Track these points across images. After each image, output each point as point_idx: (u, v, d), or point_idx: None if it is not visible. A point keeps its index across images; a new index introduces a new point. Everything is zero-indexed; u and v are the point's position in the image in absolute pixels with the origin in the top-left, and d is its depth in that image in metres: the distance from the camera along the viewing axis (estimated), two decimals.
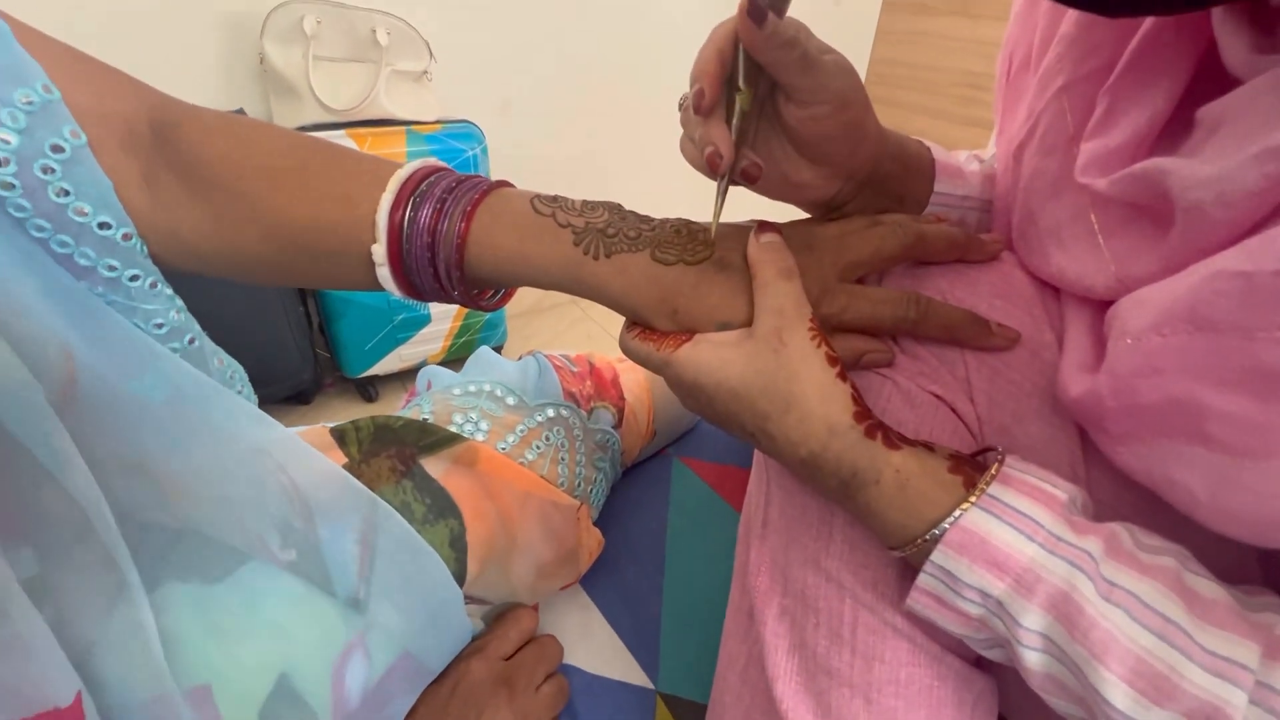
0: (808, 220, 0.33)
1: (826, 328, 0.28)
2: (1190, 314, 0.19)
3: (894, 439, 0.25)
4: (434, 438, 0.39)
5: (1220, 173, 0.19)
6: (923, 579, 0.24)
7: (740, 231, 0.30)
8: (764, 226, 0.29)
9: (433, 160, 0.32)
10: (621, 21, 1.38)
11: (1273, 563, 0.25)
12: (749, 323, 0.27)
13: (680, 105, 0.30)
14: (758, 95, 0.28)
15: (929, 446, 0.25)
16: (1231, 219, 0.19)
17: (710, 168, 0.28)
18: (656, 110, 1.54)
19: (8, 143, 0.26)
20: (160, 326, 0.31)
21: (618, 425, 0.48)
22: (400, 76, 1.11)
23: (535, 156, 1.40)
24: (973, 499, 0.22)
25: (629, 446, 0.51)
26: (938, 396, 0.28)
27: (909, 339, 0.29)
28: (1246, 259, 0.18)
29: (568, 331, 1.54)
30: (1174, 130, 0.24)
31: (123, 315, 0.30)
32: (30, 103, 0.26)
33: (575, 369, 0.49)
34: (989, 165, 0.36)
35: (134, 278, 0.30)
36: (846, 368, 0.26)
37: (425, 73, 1.13)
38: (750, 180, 0.30)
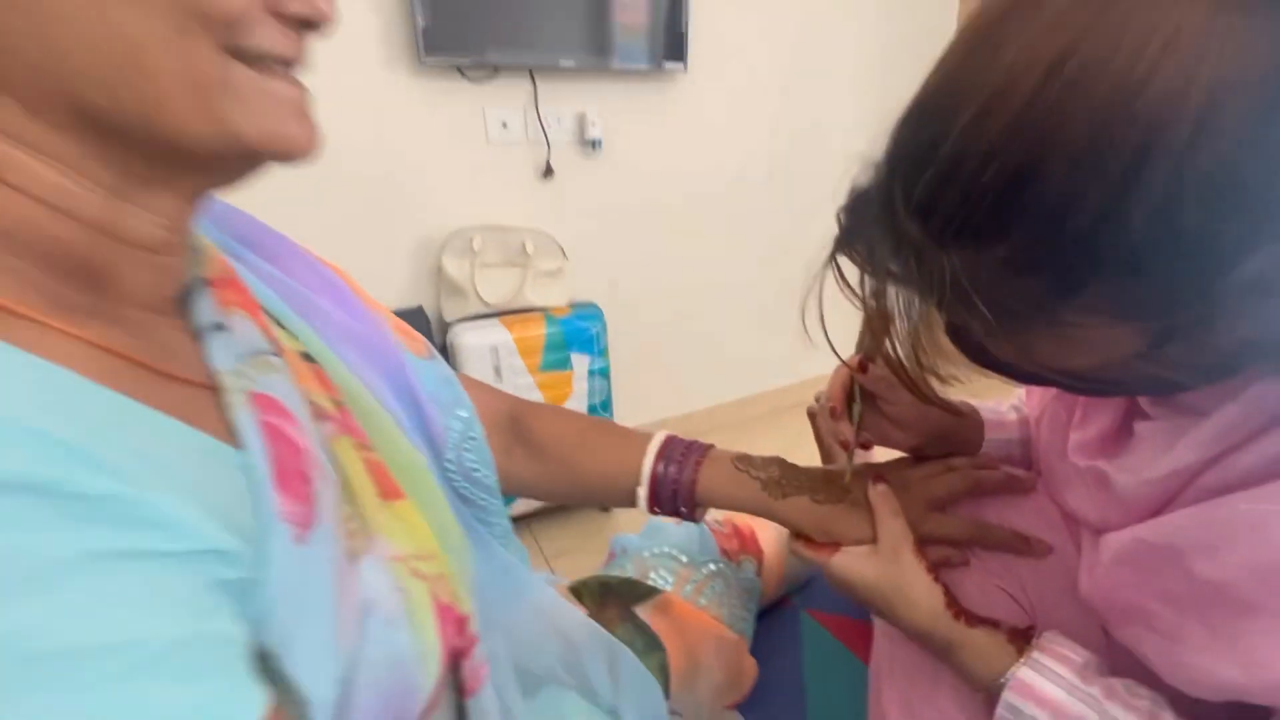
0: (901, 463, 0.51)
1: (923, 544, 0.45)
2: (1128, 556, 0.36)
3: (973, 620, 0.41)
4: (641, 590, 0.57)
5: (1131, 480, 0.36)
6: (998, 711, 0.39)
7: (862, 478, 0.48)
8: (876, 478, 0.48)
9: (667, 433, 0.52)
10: (698, 222, 1.69)
11: (1233, 709, 0.38)
12: (874, 541, 0.45)
13: (811, 413, 0.51)
14: (869, 403, 0.49)
15: (995, 624, 0.41)
16: (1140, 502, 0.36)
17: (842, 449, 0.48)
18: (726, 286, 1.82)
19: (463, 418, 0.48)
20: (504, 534, 0.52)
21: (759, 573, 0.65)
22: (541, 274, 1.42)
23: (641, 322, 1.67)
24: (1023, 661, 0.38)
25: (766, 589, 0.67)
26: (1001, 588, 0.44)
27: (979, 548, 0.46)
28: (1147, 531, 0.35)
29: None
30: (1123, 433, 0.41)
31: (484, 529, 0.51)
32: (463, 416, 0.49)
33: (724, 530, 0.67)
34: (1024, 410, 0.54)
35: (495, 509, 0.51)
36: (938, 570, 0.43)
37: (559, 270, 1.44)
38: (866, 449, 0.49)
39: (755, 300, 1.87)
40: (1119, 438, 0.41)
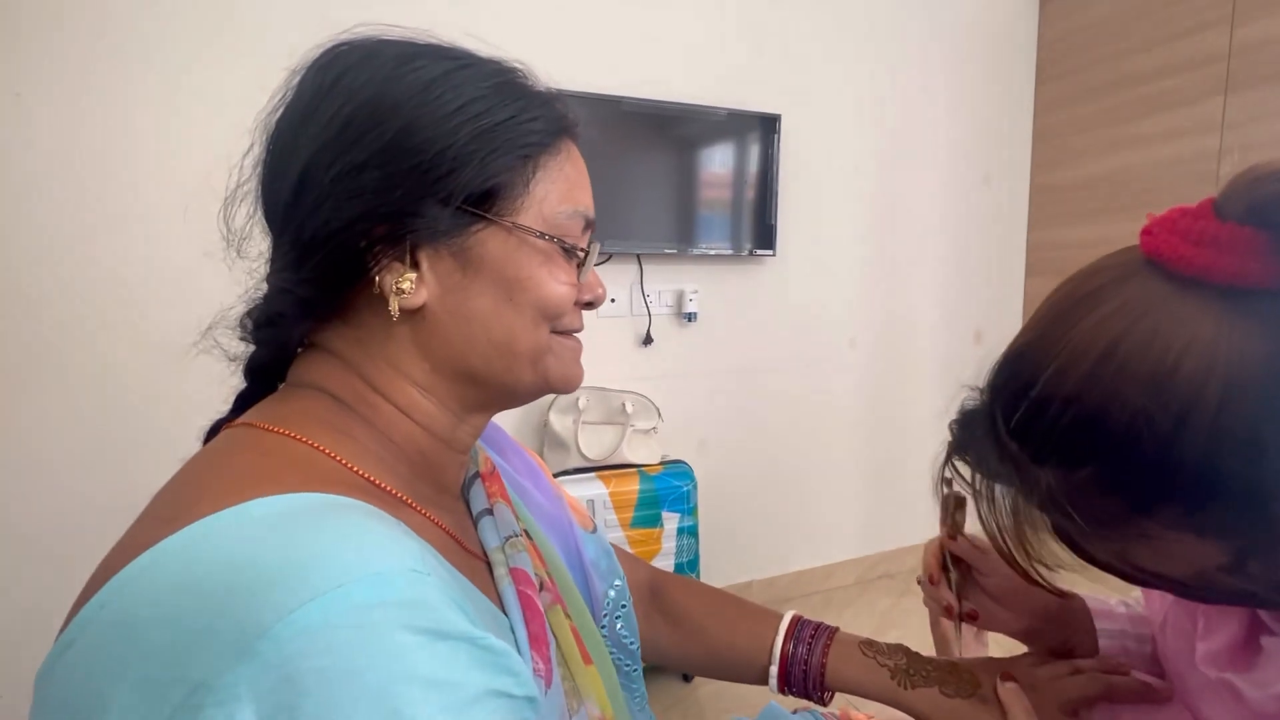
0: (1026, 659, 0.53)
1: None
2: None
3: None
4: None
5: (1262, 696, 0.38)
6: None
7: (989, 673, 0.51)
8: (1005, 675, 0.50)
9: (795, 613, 0.57)
10: (784, 390, 1.80)
11: None
12: None
13: (919, 581, 0.55)
14: (961, 572, 0.52)
15: None
16: (1275, 715, 0.38)
17: (947, 614, 0.52)
18: (806, 450, 1.87)
19: (618, 586, 0.55)
20: (642, 700, 0.56)
21: None
22: (638, 433, 1.53)
23: (729, 483, 1.73)
24: None
25: None
26: None
27: None
28: None
29: None
30: (1250, 647, 0.43)
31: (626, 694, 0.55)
32: (618, 584, 0.56)
33: None
34: (1134, 608, 0.56)
35: (637, 675, 0.56)
36: None
37: (654, 429, 1.55)
38: (973, 619, 0.53)
39: (840, 466, 1.90)
40: (1247, 651, 0.43)
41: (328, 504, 0.28)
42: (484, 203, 0.35)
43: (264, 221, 0.36)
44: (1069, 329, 0.35)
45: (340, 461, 0.32)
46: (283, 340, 0.36)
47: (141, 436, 1.22)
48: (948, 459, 0.43)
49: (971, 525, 0.51)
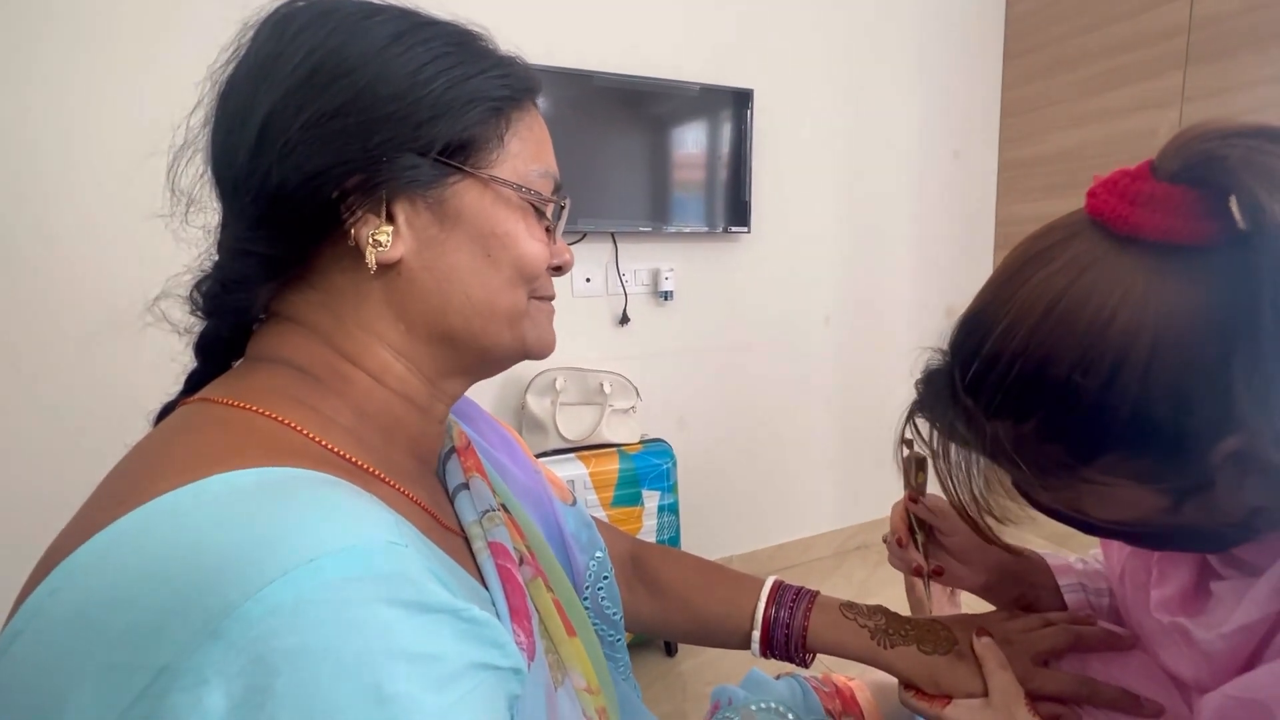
0: (999, 616, 0.55)
1: (1032, 699, 0.47)
2: (1222, 714, 0.38)
3: None
4: None
5: (1211, 637, 0.40)
6: None
7: (965, 629, 0.52)
8: (980, 631, 0.51)
9: (776, 578, 0.58)
10: (761, 366, 1.81)
11: None
12: (984, 694, 0.48)
13: (885, 539, 0.57)
14: (926, 532, 0.54)
15: None
16: (1223, 658, 0.39)
17: (915, 574, 0.54)
18: (783, 426, 1.88)
19: (599, 558, 0.55)
20: (626, 669, 0.56)
21: None
22: (616, 413, 1.52)
23: (708, 460, 1.74)
24: None
25: None
26: None
27: (1089, 705, 0.48)
28: (1235, 689, 0.37)
29: None
30: (1201, 592, 0.44)
31: (610, 664, 0.55)
32: (599, 556, 0.56)
33: (825, 688, 0.68)
34: (1091, 564, 0.58)
35: (620, 645, 0.56)
36: None
37: (633, 408, 1.54)
38: (938, 576, 0.54)
39: (817, 441, 1.92)
40: (1198, 596, 0.44)
41: (295, 478, 0.27)
42: (460, 154, 0.34)
43: (216, 182, 0.34)
44: (1019, 287, 0.36)
45: (308, 435, 0.31)
46: (242, 308, 0.34)
47: (82, 421, 1.16)
48: (909, 417, 0.44)
49: (934, 487, 0.52)
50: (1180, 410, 0.32)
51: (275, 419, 0.30)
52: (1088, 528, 0.40)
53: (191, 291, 0.35)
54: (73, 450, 1.16)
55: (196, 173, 0.34)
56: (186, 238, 0.34)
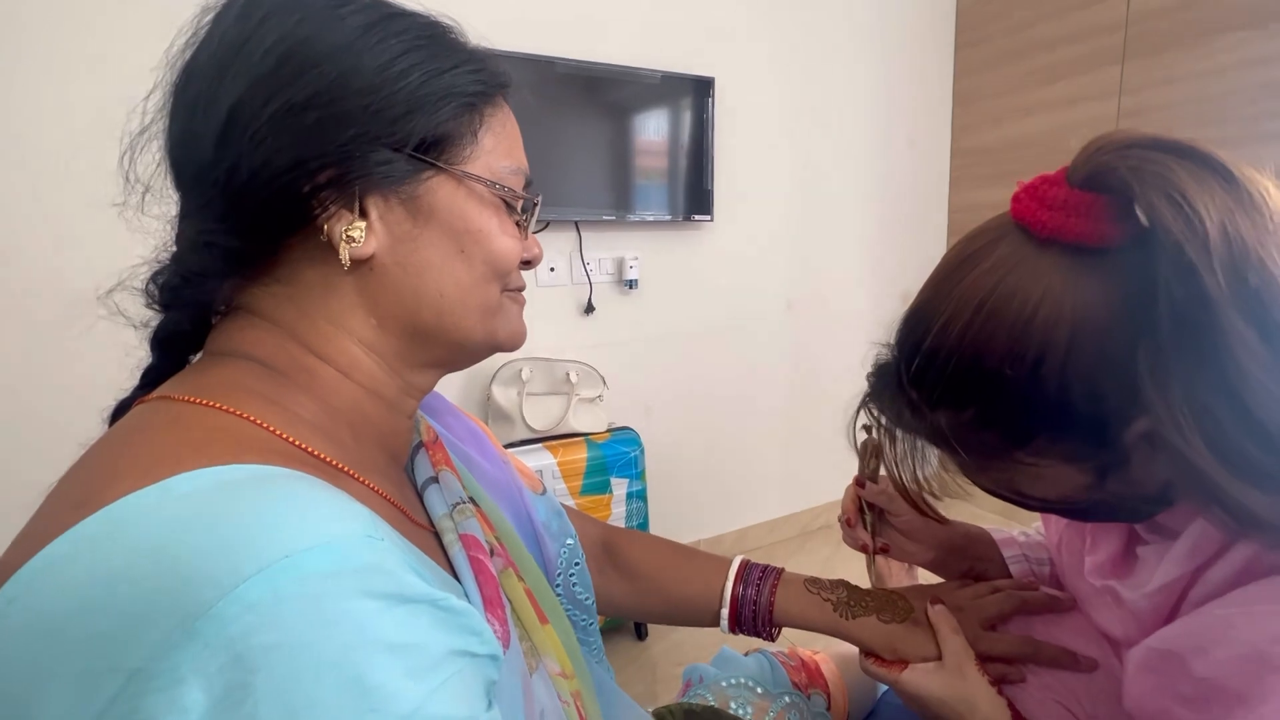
0: (953, 586, 0.58)
1: (982, 660, 0.50)
2: (1145, 664, 0.41)
3: None
4: (725, 719, 0.61)
5: (1136, 596, 0.43)
6: None
7: (921, 598, 0.55)
8: (934, 599, 0.54)
9: (743, 557, 0.60)
10: (725, 353, 1.84)
11: None
12: (939, 658, 0.50)
13: (839, 520, 0.60)
14: (875, 513, 0.57)
15: None
16: (1147, 615, 0.42)
17: (862, 551, 0.57)
18: (748, 412, 1.92)
19: (569, 545, 0.55)
20: (599, 652, 0.57)
21: (829, 708, 0.68)
22: (583, 402, 1.53)
23: (675, 447, 1.76)
24: None
25: None
26: (1058, 701, 0.49)
27: (1033, 664, 0.52)
28: (1155, 640, 0.40)
29: None
30: (1129, 556, 0.48)
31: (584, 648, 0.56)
32: (569, 543, 0.57)
33: (792, 662, 0.71)
34: (1032, 536, 0.62)
35: (593, 629, 0.57)
36: (999, 685, 0.49)
37: (600, 397, 1.55)
38: (885, 552, 0.58)
39: (781, 426, 1.96)
40: (1126, 560, 0.48)
41: (264, 475, 0.26)
42: (434, 150, 0.34)
43: (174, 170, 0.33)
44: (954, 286, 0.39)
45: (274, 432, 0.30)
46: (203, 302, 0.33)
47: (31, 421, 1.11)
48: (861, 407, 0.46)
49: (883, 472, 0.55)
50: (1096, 396, 0.35)
51: (240, 415, 0.30)
52: (1025, 504, 0.43)
53: (148, 283, 0.34)
54: (20, 451, 1.10)
55: (153, 159, 0.33)
56: (142, 227, 0.33)
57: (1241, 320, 0.29)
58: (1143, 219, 0.33)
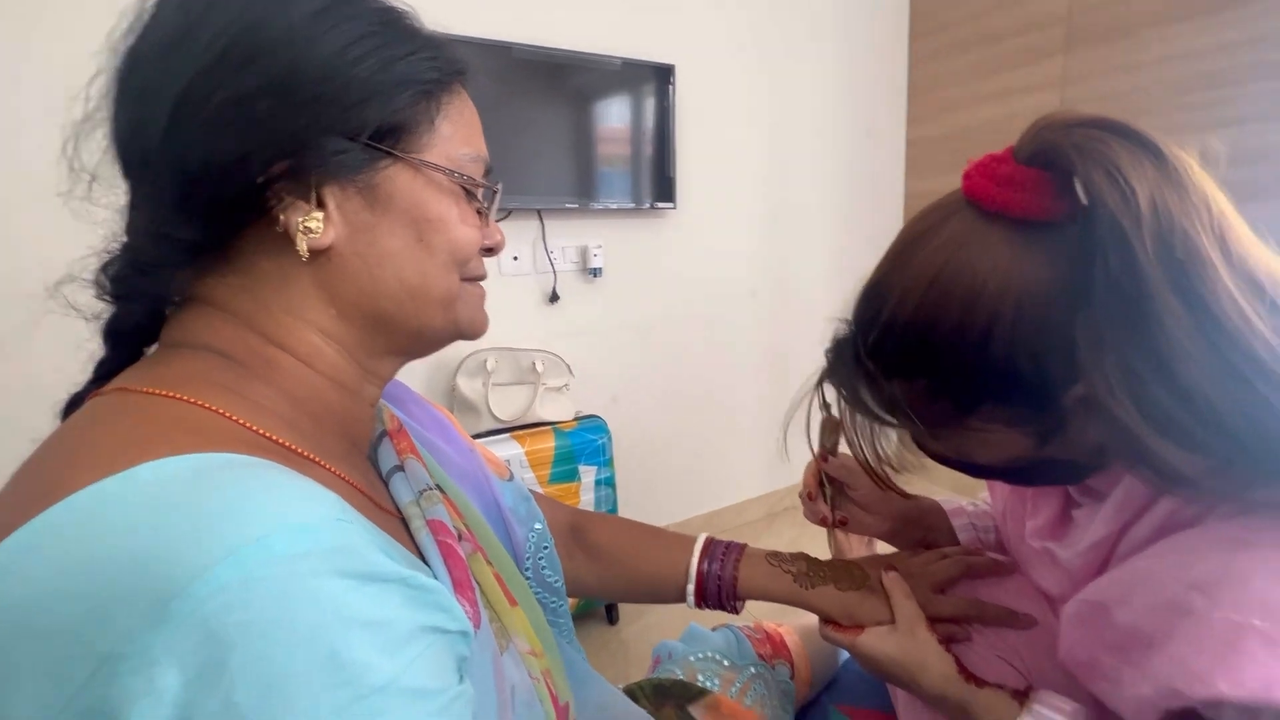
0: (905, 554, 0.61)
1: (932, 621, 0.54)
2: (1076, 618, 0.45)
3: (981, 682, 0.49)
4: (693, 691, 0.63)
5: (1070, 555, 0.46)
6: None
7: (876, 567, 0.57)
8: (888, 567, 0.57)
9: (707, 535, 0.61)
10: (690, 340, 1.86)
11: None
12: (892, 622, 0.53)
13: (799, 496, 0.62)
14: (835, 487, 0.60)
15: (1000, 685, 0.49)
16: (1080, 572, 0.46)
17: (821, 525, 0.59)
18: (713, 398, 1.95)
19: (538, 529, 0.56)
20: (569, 633, 0.59)
21: (792, 677, 0.71)
22: (550, 391, 1.53)
23: (642, 433, 1.77)
24: (1025, 713, 0.46)
25: (798, 691, 0.73)
26: (1000, 657, 0.53)
27: (978, 623, 0.55)
28: (1085, 593, 0.44)
29: None
30: (1064, 519, 0.52)
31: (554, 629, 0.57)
32: (538, 528, 0.58)
33: (757, 635, 0.73)
34: (979, 506, 0.66)
35: (563, 610, 0.58)
36: (948, 643, 0.52)
37: (566, 386, 1.55)
38: (843, 525, 0.60)
39: (746, 410, 2.00)
40: (1062, 523, 0.52)
41: (230, 461, 0.26)
42: (390, 138, 0.33)
43: (121, 159, 0.32)
44: (908, 261, 0.41)
45: (237, 421, 0.30)
46: (157, 294, 0.33)
47: None
48: (820, 382, 0.48)
49: (844, 447, 0.57)
50: (1039, 364, 0.37)
51: (202, 405, 0.30)
52: (973, 470, 0.46)
53: (98, 274, 0.33)
54: None
55: (99, 148, 0.32)
56: (88, 217, 0.32)
57: (1168, 289, 0.31)
58: (1081, 193, 0.35)
